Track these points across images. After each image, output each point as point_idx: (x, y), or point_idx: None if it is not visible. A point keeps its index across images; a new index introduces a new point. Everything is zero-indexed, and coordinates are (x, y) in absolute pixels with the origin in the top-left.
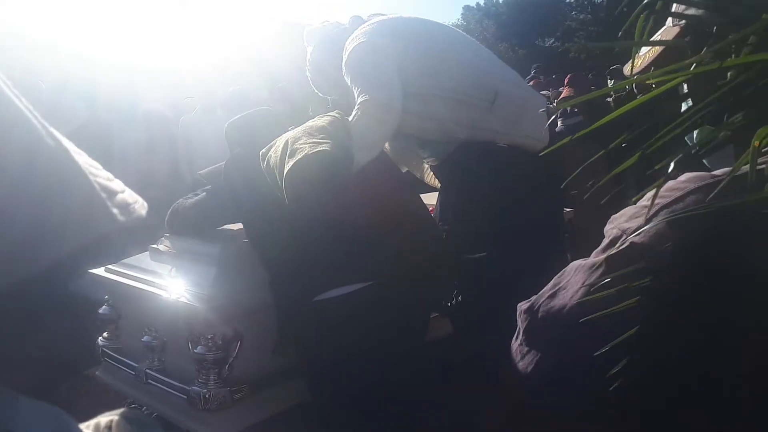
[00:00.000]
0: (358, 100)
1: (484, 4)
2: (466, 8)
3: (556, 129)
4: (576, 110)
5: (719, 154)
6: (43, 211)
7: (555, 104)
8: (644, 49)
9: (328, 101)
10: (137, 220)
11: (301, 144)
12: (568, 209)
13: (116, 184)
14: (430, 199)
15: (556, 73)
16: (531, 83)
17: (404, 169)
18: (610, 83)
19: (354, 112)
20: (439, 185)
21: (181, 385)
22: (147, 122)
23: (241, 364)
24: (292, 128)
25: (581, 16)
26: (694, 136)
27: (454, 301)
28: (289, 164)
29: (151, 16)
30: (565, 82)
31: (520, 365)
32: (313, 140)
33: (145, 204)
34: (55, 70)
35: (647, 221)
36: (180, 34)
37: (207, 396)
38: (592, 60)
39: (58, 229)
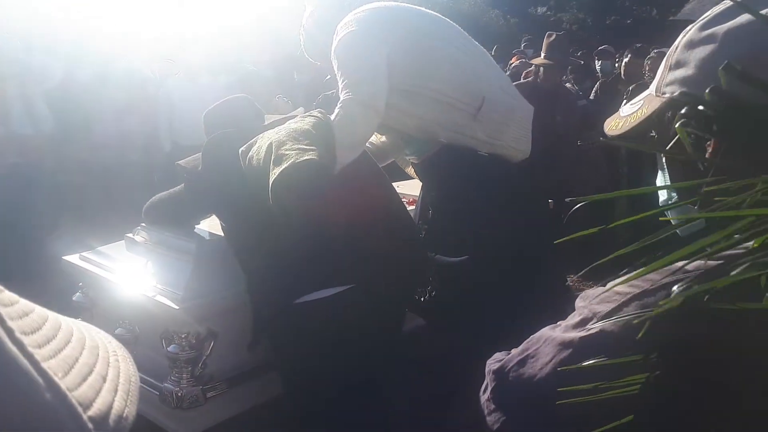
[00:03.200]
0: (342, 97)
1: None
2: None
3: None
4: (581, 93)
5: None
6: None
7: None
8: (626, 111)
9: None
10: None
11: (287, 150)
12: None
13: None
14: (410, 188)
15: None
16: (515, 59)
17: (390, 160)
18: (598, 64)
19: (337, 111)
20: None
21: (153, 381)
22: (126, 81)
23: (215, 362)
24: (274, 120)
25: None
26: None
27: (427, 296)
28: (275, 172)
29: None
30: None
31: (488, 419)
32: (299, 147)
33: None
34: (32, 27)
35: (618, 308)
36: None
37: (179, 394)
38: (585, 32)
39: None
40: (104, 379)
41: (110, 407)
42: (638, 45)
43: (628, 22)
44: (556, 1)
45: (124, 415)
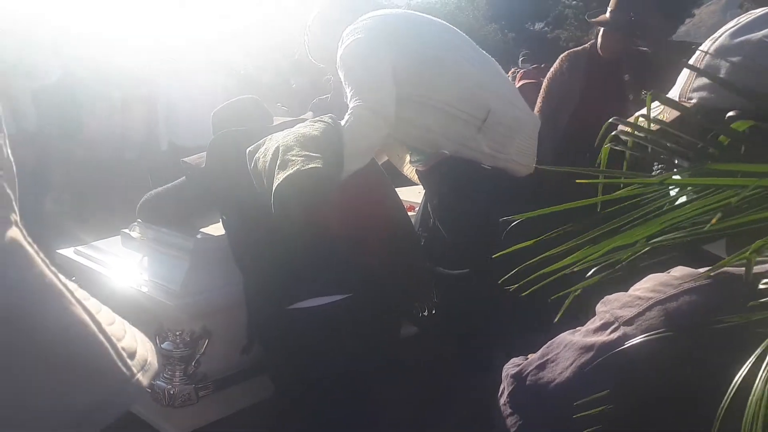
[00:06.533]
0: (351, 104)
1: None
2: None
3: None
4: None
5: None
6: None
7: None
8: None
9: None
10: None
11: (293, 156)
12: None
13: (129, 340)
14: (409, 194)
15: (545, 62)
16: (512, 73)
17: (384, 158)
18: None
19: (347, 117)
20: (420, 184)
21: None
22: (123, 80)
23: (208, 360)
24: (283, 122)
25: (573, 2)
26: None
27: (426, 313)
28: (279, 177)
29: None
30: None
31: (506, 422)
32: (306, 153)
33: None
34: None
35: (641, 314)
36: None
37: (172, 392)
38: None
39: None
40: (125, 332)
41: (135, 348)
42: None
43: None
44: (554, 17)
45: (148, 360)
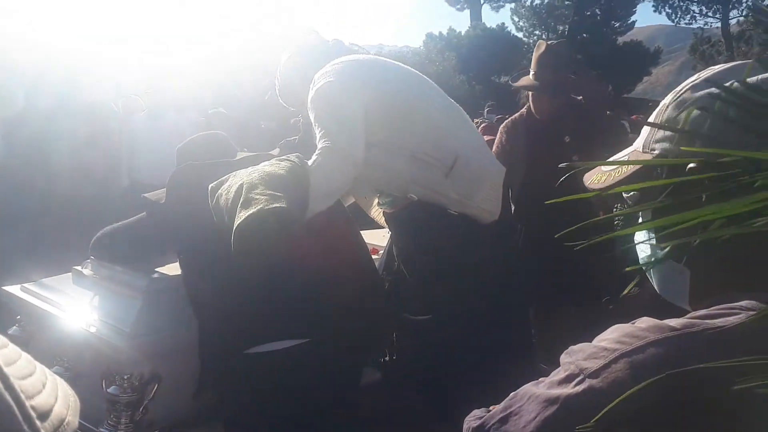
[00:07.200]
0: (320, 145)
1: (447, 34)
2: (429, 36)
3: None
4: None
5: (674, 282)
6: None
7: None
8: (608, 167)
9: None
10: None
11: (257, 194)
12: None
13: (45, 397)
14: (375, 237)
15: (509, 113)
16: (481, 127)
17: (351, 200)
18: None
19: (314, 158)
20: (386, 228)
21: (88, 425)
22: (90, 114)
23: (157, 406)
24: (246, 156)
25: None
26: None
27: (388, 358)
28: (242, 215)
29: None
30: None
31: None
32: (270, 192)
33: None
34: None
35: (607, 366)
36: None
37: None
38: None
39: None
40: (43, 385)
41: (52, 406)
42: None
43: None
44: (519, 71)
45: (66, 419)
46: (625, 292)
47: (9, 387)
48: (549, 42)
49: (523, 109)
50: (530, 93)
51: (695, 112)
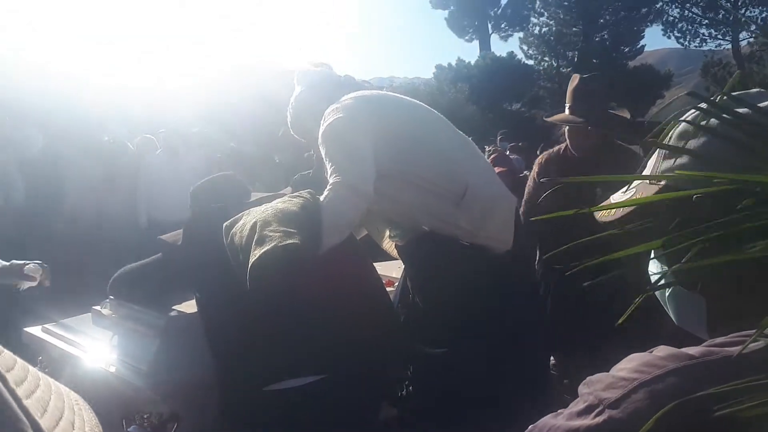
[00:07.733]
0: (331, 180)
1: (456, 65)
2: (439, 68)
3: None
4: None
5: (691, 311)
6: None
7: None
8: (617, 198)
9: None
10: None
11: (271, 232)
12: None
13: None
14: (390, 269)
15: (522, 140)
16: (492, 157)
17: (364, 232)
18: None
19: (326, 193)
20: (399, 259)
21: None
22: (108, 156)
23: None
24: (259, 198)
25: (548, 84)
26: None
27: (404, 392)
28: (256, 253)
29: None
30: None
31: None
32: (283, 229)
33: None
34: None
35: (626, 396)
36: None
37: None
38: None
39: None
40: (72, 426)
41: None
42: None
43: None
44: (530, 98)
45: None
46: (620, 321)
47: None
48: (582, 76)
49: (560, 147)
50: (566, 128)
51: (699, 135)
